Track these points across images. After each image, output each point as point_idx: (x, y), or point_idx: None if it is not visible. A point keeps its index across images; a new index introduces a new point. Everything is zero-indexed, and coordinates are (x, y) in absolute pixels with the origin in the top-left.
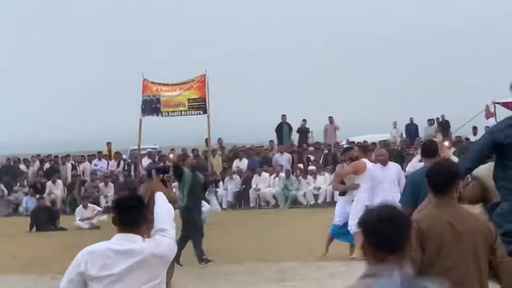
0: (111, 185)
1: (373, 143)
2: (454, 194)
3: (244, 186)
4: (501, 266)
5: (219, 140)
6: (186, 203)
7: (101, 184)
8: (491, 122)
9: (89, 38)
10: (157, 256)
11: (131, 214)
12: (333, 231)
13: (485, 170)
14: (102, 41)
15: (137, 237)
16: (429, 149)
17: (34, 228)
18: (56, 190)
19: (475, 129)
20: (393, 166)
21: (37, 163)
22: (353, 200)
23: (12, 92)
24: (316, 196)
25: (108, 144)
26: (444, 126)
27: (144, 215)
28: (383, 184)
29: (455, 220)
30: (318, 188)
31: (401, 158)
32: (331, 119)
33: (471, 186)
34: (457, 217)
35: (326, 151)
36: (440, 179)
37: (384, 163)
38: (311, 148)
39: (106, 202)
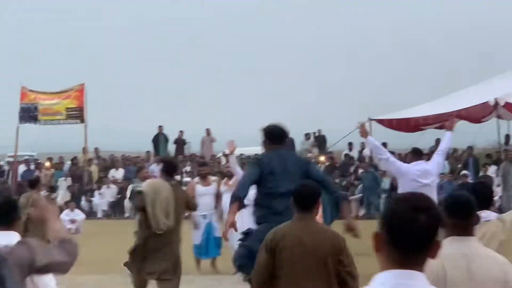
0: None
1: (248, 157)
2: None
3: (120, 196)
4: (344, 274)
5: (96, 149)
6: None
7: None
8: (370, 140)
9: None
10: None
11: (9, 216)
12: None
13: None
14: None
15: (14, 233)
16: None
17: None
18: None
19: (350, 144)
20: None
21: None
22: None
23: None
24: None
25: None
26: (320, 140)
27: (18, 216)
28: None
29: (305, 234)
30: None
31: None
32: (208, 130)
33: None
34: (308, 231)
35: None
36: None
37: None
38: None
39: None
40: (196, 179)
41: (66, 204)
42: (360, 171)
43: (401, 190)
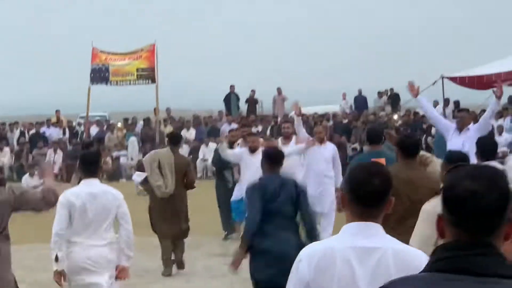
0: (60, 152)
1: (322, 115)
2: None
3: (191, 156)
4: None
5: (167, 110)
6: None
7: (50, 151)
8: (420, 100)
9: (43, 11)
10: None
11: (94, 166)
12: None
13: None
14: (54, 7)
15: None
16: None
17: None
18: (3, 157)
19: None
20: (329, 146)
21: None
22: None
23: None
24: None
25: (57, 111)
26: (394, 98)
27: (100, 165)
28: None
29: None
30: None
31: (348, 131)
32: (279, 89)
33: None
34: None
35: (272, 123)
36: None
37: (321, 142)
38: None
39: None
40: (280, 138)
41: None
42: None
43: (449, 146)
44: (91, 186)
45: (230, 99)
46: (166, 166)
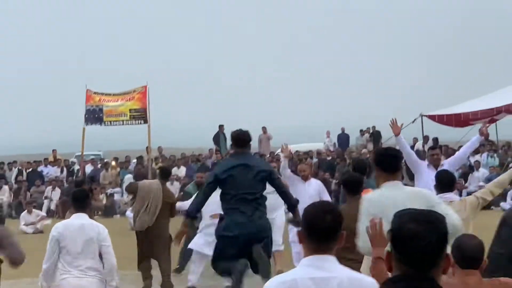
0: (58, 189)
1: (306, 153)
2: None
3: (182, 193)
4: None
5: (159, 148)
6: None
7: (48, 188)
8: (400, 139)
9: (37, 50)
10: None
11: (83, 202)
12: None
13: None
14: (48, 52)
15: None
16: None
17: None
18: (2, 195)
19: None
20: (314, 182)
21: None
22: None
23: None
24: None
25: (54, 151)
26: (375, 136)
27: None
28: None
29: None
30: None
31: (332, 167)
32: (264, 129)
33: None
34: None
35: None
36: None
37: (305, 179)
38: None
39: (50, 207)
40: None
41: (132, 200)
42: None
43: (417, 184)
44: (80, 219)
45: (219, 138)
46: (153, 198)
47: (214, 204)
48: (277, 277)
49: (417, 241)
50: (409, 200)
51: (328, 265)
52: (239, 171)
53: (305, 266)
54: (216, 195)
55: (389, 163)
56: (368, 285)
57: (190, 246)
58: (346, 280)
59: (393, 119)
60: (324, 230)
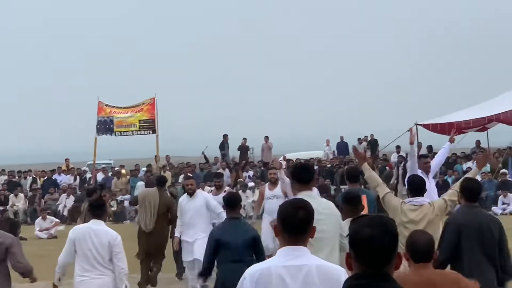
0: (72, 197)
1: (307, 160)
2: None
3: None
4: None
5: (167, 157)
6: None
7: (63, 196)
8: (412, 148)
9: (51, 63)
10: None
11: (100, 210)
12: None
13: None
14: (62, 66)
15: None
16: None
17: None
18: (18, 202)
19: (398, 147)
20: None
21: (0, 177)
22: None
23: None
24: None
25: (67, 160)
26: (372, 144)
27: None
28: None
29: None
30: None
31: (332, 174)
32: (266, 138)
33: None
34: None
35: (262, 168)
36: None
37: None
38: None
39: (63, 212)
40: (267, 183)
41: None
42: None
43: None
44: (96, 225)
45: (224, 147)
46: (151, 203)
47: (191, 210)
48: (254, 265)
49: (373, 243)
50: (320, 207)
51: (300, 254)
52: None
53: (279, 256)
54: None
55: (302, 176)
56: (334, 272)
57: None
58: (315, 268)
59: (411, 129)
60: (297, 224)
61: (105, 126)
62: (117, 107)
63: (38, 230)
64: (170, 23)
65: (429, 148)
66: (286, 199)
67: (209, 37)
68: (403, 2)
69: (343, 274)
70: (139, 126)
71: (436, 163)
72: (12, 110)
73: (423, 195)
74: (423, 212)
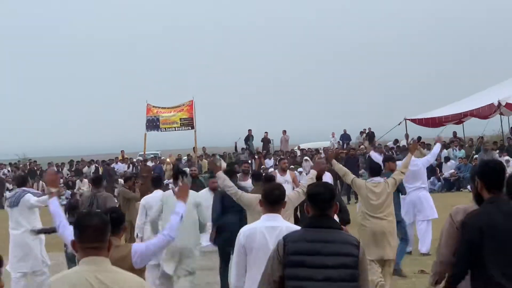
0: None
1: (317, 149)
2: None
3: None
4: None
5: (203, 148)
6: None
7: (121, 180)
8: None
9: (109, 74)
10: None
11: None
12: None
13: None
14: (116, 76)
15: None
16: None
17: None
18: (83, 186)
19: (396, 141)
20: (288, 175)
21: (68, 166)
22: None
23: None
24: None
25: (122, 151)
26: (370, 136)
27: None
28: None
29: None
30: None
31: (337, 160)
32: (284, 131)
33: None
34: None
35: (282, 156)
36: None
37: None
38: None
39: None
40: (277, 170)
41: None
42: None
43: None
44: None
45: (249, 139)
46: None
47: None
48: (246, 226)
49: (320, 196)
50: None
51: (276, 219)
52: None
53: (262, 220)
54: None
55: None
56: (296, 228)
57: None
58: (285, 228)
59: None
60: (274, 199)
61: (153, 124)
62: (162, 108)
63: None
64: (205, 32)
65: (419, 138)
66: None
67: (234, 43)
68: None
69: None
70: (180, 123)
71: (429, 159)
72: (80, 113)
73: (379, 176)
74: (381, 187)
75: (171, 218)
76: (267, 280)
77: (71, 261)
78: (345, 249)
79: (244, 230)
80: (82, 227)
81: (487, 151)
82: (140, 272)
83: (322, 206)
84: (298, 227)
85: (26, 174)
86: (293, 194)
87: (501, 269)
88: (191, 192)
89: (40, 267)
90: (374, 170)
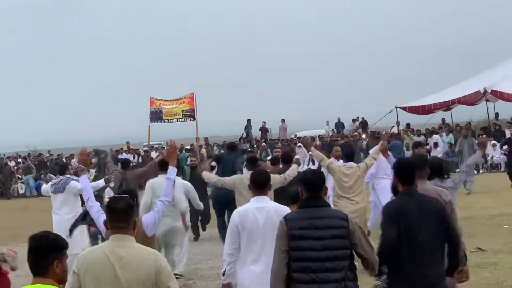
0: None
1: (312, 137)
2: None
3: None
4: None
5: (205, 138)
6: None
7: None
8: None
9: (116, 69)
10: None
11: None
12: None
13: None
14: (122, 71)
15: None
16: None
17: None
18: (90, 176)
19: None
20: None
21: (76, 157)
22: None
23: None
24: None
25: (127, 142)
26: (363, 124)
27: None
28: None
29: None
30: None
31: (330, 147)
32: (282, 120)
33: None
34: None
35: (280, 144)
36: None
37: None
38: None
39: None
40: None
41: None
42: None
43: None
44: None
45: (248, 129)
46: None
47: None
48: (239, 208)
49: (312, 181)
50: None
51: (264, 200)
52: None
53: (252, 202)
54: None
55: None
56: (283, 209)
57: None
58: (272, 209)
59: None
60: (261, 183)
61: (156, 116)
62: (164, 100)
63: (107, 198)
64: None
65: (408, 124)
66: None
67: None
68: None
69: (288, 210)
70: (182, 114)
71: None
72: (86, 107)
73: (352, 161)
74: (353, 171)
75: (163, 184)
76: (279, 251)
77: (94, 238)
78: (336, 222)
79: (239, 211)
80: (111, 209)
81: (466, 137)
82: (153, 239)
83: (314, 190)
84: (284, 206)
85: (66, 163)
86: (278, 178)
87: (409, 241)
88: (180, 180)
89: (78, 251)
90: (348, 156)
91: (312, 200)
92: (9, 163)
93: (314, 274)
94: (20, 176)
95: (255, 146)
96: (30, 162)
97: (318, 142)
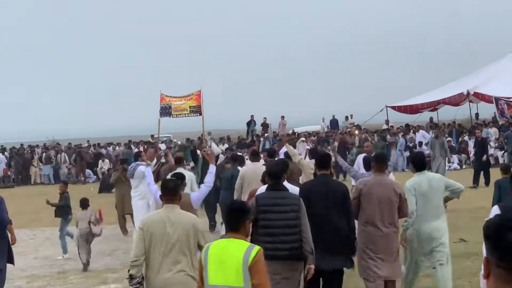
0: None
1: (309, 133)
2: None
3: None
4: None
5: (209, 133)
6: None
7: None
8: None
9: (128, 69)
10: None
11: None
12: None
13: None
14: (136, 69)
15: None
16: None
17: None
18: (104, 166)
19: (387, 122)
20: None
21: (92, 147)
22: None
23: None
24: None
25: (152, 136)
26: (358, 124)
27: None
28: None
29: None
30: None
31: (326, 142)
32: (282, 117)
33: None
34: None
35: (279, 139)
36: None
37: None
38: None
39: None
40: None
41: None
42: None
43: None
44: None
45: (251, 124)
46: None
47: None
48: (260, 193)
49: (272, 170)
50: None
51: (280, 188)
52: None
53: (267, 191)
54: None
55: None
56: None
57: None
58: (290, 189)
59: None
60: (276, 173)
61: (166, 111)
62: (173, 97)
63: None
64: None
65: (388, 124)
66: None
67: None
68: None
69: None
70: (190, 110)
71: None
72: (101, 101)
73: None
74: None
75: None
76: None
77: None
78: (292, 202)
79: (256, 194)
80: (164, 187)
81: (437, 137)
82: (195, 211)
83: (275, 177)
84: (295, 187)
85: (140, 151)
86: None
87: (312, 211)
88: (187, 173)
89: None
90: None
91: (275, 185)
92: (29, 151)
93: (276, 237)
94: (37, 165)
95: (255, 140)
96: (50, 152)
97: (315, 137)
